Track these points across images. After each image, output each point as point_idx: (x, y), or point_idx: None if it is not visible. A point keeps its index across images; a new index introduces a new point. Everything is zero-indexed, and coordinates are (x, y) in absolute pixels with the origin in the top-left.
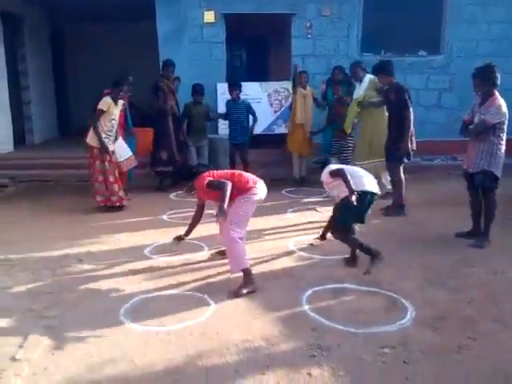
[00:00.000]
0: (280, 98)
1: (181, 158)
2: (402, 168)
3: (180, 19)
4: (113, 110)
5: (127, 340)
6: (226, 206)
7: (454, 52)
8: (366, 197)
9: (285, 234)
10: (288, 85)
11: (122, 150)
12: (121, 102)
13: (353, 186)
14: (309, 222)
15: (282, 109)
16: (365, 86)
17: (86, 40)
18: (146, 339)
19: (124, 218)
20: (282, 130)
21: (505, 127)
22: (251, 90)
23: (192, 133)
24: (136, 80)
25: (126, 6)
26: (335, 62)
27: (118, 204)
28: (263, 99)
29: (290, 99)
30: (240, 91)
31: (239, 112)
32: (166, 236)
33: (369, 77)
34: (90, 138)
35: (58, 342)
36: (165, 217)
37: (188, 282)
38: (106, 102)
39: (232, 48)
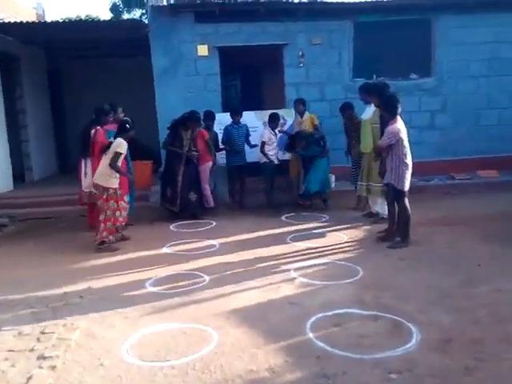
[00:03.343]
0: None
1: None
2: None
3: (174, 54)
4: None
5: (130, 376)
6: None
7: (444, 74)
8: None
9: (285, 260)
10: (283, 112)
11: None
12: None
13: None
14: (309, 248)
15: (279, 136)
16: (374, 108)
17: (83, 77)
18: (150, 375)
19: (124, 251)
20: (279, 156)
21: (402, 147)
22: (247, 119)
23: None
24: (133, 114)
25: (121, 42)
26: (328, 89)
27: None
28: (259, 127)
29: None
30: (241, 116)
31: (241, 135)
32: (166, 268)
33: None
34: (106, 180)
35: (62, 383)
36: (165, 249)
37: (190, 315)
38: (123, 145)
39: (227, 79)
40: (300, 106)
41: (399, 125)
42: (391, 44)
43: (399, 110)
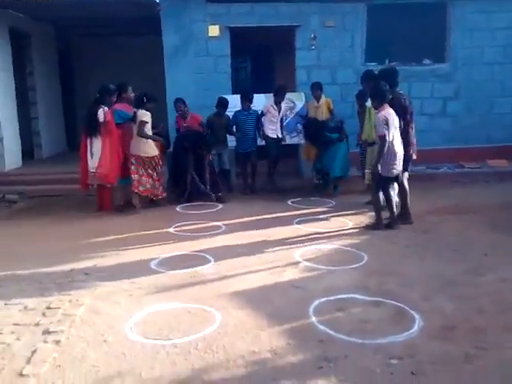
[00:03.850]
0: (285, 108)
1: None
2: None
3: (185, 33)
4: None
5: (134, 354)
6: None
7: (458, 60)
8: None
9: (290, 244)
10: (293, 96)
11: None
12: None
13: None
14: (315, 233)
15: (288, 119)
16: None
17: (93, 54)
18: (153, 353)
19: (131, 231)
20: (287, 140)
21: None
22: (257, 102)
23: (214, 142)
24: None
25: (132, 20)
26: (340, 73)
27: (160, 196)
28: None
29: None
30: (251, 102)
31: (251, 122)
32: (172, 249)
33: None
34: (139, 150)
35: (65, 357)
36: (171, 229)
37: (194, 295)
38: (146, 114)
39: (237, 60)
40: (318, 90)
41: (388, 112)
42: (405, 28)
43: (388, 97)
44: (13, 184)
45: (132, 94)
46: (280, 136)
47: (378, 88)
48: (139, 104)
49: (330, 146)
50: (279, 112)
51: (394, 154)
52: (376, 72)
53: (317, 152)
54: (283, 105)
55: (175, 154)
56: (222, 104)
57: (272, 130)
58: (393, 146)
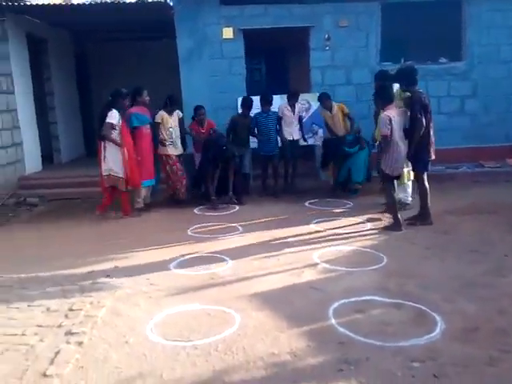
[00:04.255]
0: (301, 109)
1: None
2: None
3: (199, 36)
4: (168, 120)
5: (154, 355)
6: None
7: (475, 58)
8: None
9: (308, 245)
10: (308, 97)
11: (111, 163)
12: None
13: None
14: (333, 234)
15: (304, 120)
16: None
17: (109, 59)
18: (173, 354)
19: (149, 233)
20: (302, 141)
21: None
22: (273, 103)
23: (235, 143)
24: (159, 97)
25: (147, 25)
26: (355, 73)
27: (183, 197)
28: None
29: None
30: (271, 105)
31: (271, 123)
32: (190, 250)
33: (396, 86)
34: (161, 150)
35: (88, 358)
36: (189, 231)
37: (213, 297)
38: (159, 115)
39: (251, 62)
40: (326, 101)
41: (391, 112)
42: (420, 27)
43: (393, 98)
44: (33, 188)
45: (147, 98)
46: (296, 138)
47: (384, 88)
48: (163, 106)
49: (350, 157)
50: (294, 113)
51: (398, 153)
52: (394, 71)
53: (336, 164)
54: (297, 105)
55: (201, 161)
56: (247, 104)
57: (288, 132)
58: (396, 145)
